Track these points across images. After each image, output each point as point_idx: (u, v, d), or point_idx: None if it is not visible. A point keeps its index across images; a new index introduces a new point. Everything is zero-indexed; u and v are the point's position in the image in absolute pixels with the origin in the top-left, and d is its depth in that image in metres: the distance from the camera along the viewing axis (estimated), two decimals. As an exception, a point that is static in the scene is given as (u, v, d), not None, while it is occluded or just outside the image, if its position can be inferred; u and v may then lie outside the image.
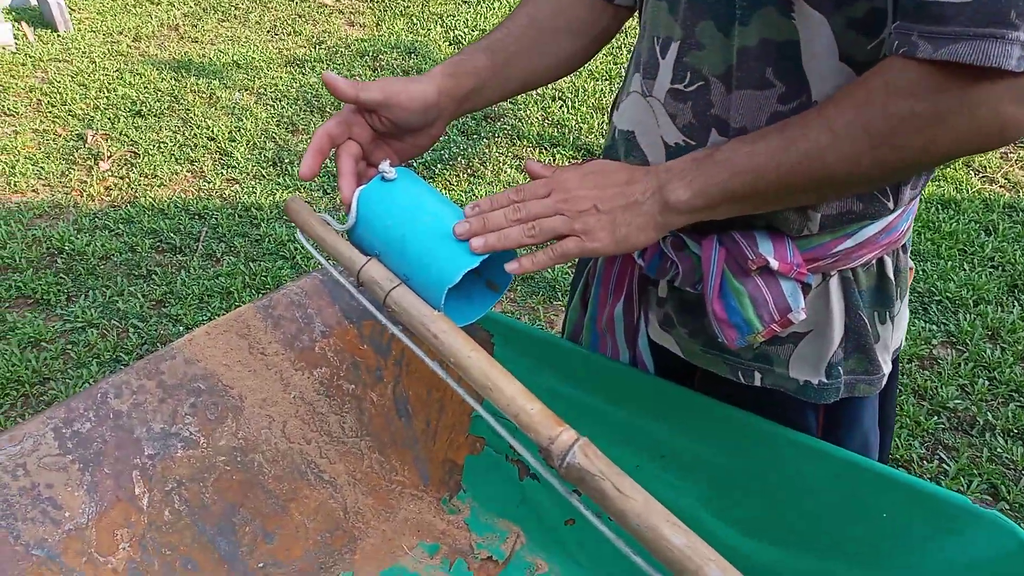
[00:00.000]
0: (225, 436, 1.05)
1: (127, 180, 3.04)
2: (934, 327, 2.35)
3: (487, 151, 3.26)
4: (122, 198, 2.94)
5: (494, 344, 1.12)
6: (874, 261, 0.85)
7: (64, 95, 3.60)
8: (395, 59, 4.01)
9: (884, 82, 0.66)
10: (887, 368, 0.89)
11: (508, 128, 3.42)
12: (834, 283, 0.84)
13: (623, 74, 3.79)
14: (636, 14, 0.94)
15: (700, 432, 0.96)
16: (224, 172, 3.10)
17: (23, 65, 3.86)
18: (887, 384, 0.92)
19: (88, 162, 3.15)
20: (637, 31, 0.91)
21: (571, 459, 0.66)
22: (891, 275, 0.86)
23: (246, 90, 3.73)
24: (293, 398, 1.12)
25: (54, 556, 0.88)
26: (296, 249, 2.63)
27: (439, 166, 3.15)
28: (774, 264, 0.79)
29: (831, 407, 0.91)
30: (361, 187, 0.82)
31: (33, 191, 2.98)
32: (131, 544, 0.94)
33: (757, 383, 0.90)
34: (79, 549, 0.90)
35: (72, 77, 3.77)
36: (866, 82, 0.67)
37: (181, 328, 2.29)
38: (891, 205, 0.80)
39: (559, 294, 2.52)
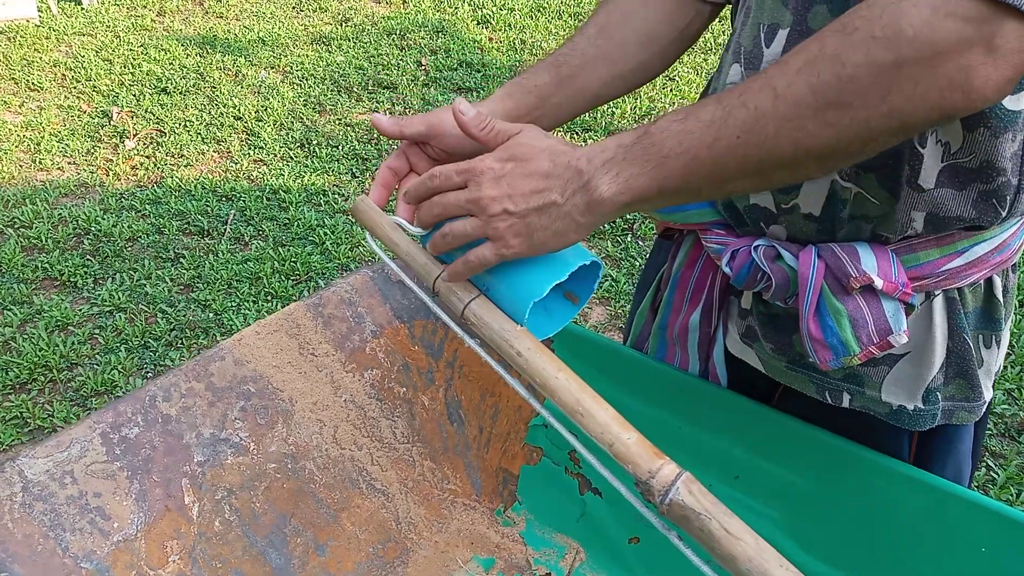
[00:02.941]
0: (275, 442, 1.00)
1: (153, 159, 2.99)
2: (980, 329, 2.28)
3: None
4: (148, 178, 2.90)
5: (553, 350, 1.07)
6: (982, 281, 0.79)
7: (88, 70, 3.55)
8: (423, 38, 3.94)
9: (840, 25, 0.57)
10: (988, 395, 0.83)
11: (539, 113, 3.35)
12: (938, 303, 0.78)
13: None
14: (729, 5, 0.88)
15: (779, 453, 0.91)
16: (251, 153, 3.05)
17: (47, 39, 3.82)
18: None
19: (114, 140, 3.11)
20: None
21: (675, 496, 0.61)
22: (999, 296, 0.80)
23: (272, 68, 3.67)
24: (344, 401, 1.07)
25: (103, 569, 0.84)
26: (326, 234, 2.58)
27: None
28: (878, 283, 0.74)
29: (925, 433, 0.86)
30: None
31: (59, 169, 2.94)
32: (181, 556, 0.90)
33: (845, 404, 0.85)
34: (128, 562, 0.86)
35: (96, 52, 3.72)
36: (821, 33, 0.58)
37: (210, 314, 2.25)
38: (1003, 213, 0.74)
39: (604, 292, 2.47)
